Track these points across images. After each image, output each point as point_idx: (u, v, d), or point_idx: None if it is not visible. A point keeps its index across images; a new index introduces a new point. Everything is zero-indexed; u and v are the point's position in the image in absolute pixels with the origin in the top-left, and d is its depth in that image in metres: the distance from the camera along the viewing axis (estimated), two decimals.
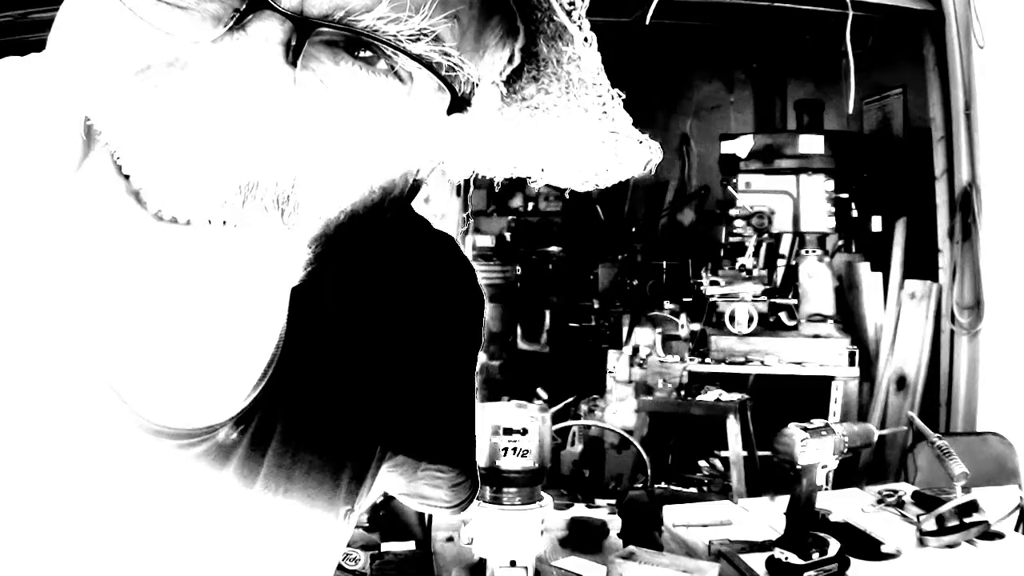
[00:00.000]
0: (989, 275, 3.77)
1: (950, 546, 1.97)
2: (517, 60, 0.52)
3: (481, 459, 1.79)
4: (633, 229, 6.94)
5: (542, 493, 1.83)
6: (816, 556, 1.79)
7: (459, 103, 0.48)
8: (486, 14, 0.48)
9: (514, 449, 1.75)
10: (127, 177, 0.42)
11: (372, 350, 0.66)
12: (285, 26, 0.41)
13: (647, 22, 3.90)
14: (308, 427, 0.61)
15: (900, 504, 2.23)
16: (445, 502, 0.77)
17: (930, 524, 1.99)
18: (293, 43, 0.42)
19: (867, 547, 1.93)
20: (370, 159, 0.47)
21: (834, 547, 1.82)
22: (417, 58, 0.44)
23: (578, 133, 0.54)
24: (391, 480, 0.73)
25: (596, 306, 6.30)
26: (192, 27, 0.42)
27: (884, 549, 1.93)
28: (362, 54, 0.44)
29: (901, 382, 4.23)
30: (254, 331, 0.57)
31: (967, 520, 2.01)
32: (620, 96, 0.51)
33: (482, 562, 1.79)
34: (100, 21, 0.42)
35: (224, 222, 0.43)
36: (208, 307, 0.49)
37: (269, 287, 0.52)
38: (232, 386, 0.56)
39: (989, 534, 2.02)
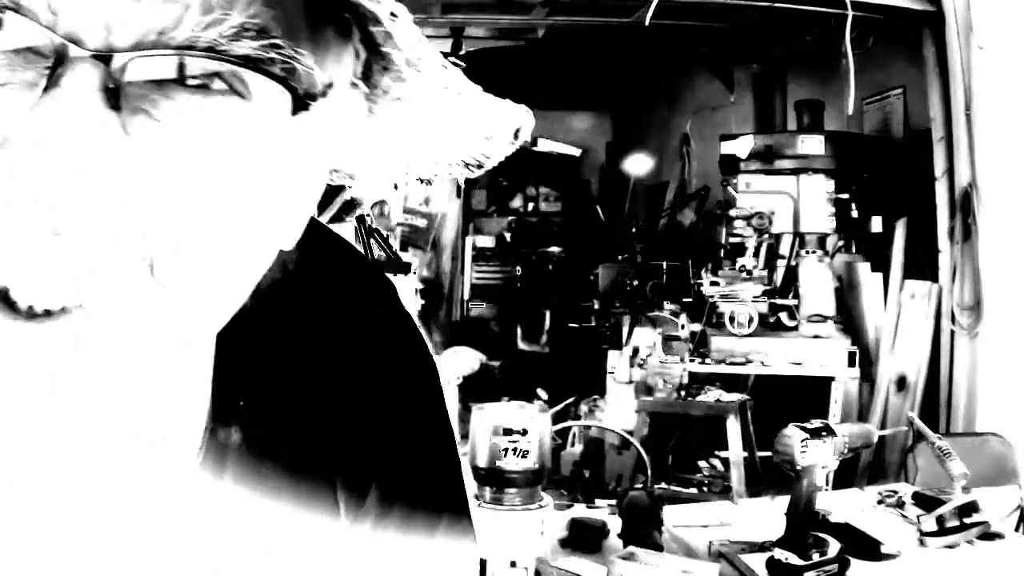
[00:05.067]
0: (989, 275, 3.77)
1: (950, 547, 1.97)
2: (363, 53, 0.48)
3: (481, 460, 1.79)
4: (633, 229, 6.94)
5: (542, 494, 1.84)
6: (816, 557, 1.79)
7: (300, 101, 0.43)
8: (308, 4, 0.43)
9: (514, 450, 1.75)
10: None
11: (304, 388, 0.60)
12: (98, 69, 0.37)
13: (647, 22, 3.91)
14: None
15: (900, 505, 2.23)
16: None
17: (930, 525, 1.99)
18: (110, 85, 0.37)
19: (867, 548, 1.93)
20: (239, 191, 0.42)
21: (834, 548, 1.83)
22: (244, 59, 0.40)
23: (446, 114, 0.50)
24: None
25: (596, 306, 6.30)
26: (11, 101, 0.38)
27: (884, 550, 1.93)
28: (192, 82, 0.40)
29: (901, 383, 4.23)
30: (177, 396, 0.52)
31: (967, 521, 2.01)
32: (460, 65, 0.48)
33: (482, 562, 1.79)
34: None
35: (99, 300, 0.39)
36: (112, 392, 0.44)
37: (175, 350, 0.47)
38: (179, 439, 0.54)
39: (989, 534, 2.03)
